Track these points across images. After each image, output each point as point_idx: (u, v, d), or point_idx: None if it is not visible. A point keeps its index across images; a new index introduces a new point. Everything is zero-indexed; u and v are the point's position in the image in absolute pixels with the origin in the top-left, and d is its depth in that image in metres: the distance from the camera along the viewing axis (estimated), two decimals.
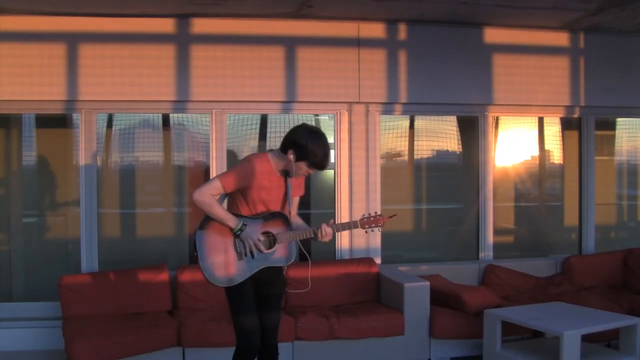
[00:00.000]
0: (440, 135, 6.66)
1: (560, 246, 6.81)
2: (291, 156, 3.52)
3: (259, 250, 3.56)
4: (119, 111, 5.83)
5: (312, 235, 3.60)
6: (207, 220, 3.58)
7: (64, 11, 5.34)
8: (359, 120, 5.98)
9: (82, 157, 5.57)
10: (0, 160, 5.97)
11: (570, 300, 5.40)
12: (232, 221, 3.54)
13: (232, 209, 3.66)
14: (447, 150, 6.75)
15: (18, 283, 5.88)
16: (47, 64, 5.42)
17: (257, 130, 6.18)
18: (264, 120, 6.15)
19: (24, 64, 5.38)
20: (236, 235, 3.55)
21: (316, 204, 6.24)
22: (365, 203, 5.96)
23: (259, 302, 3.74)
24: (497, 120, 6.49)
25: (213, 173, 5.63)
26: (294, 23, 5.75)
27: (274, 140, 6.06)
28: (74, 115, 5.75)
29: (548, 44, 6.25)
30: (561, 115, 6.58)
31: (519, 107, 6.34)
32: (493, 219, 6.32)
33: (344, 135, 5.97)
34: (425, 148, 6.68)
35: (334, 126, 5.99)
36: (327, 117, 6.20)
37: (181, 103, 5.69)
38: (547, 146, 6.93)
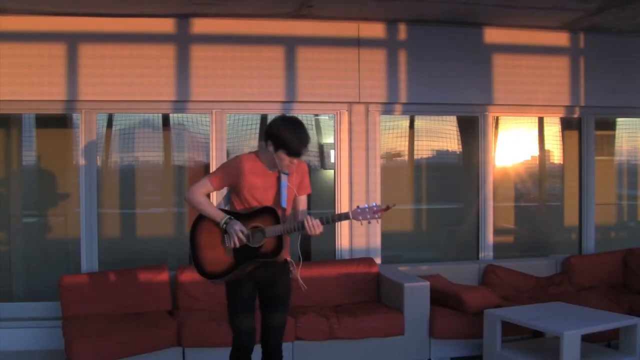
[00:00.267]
0: (440, 135, 6.66)
1: (560, 246, 6.81)
2: (270, 148, 3.55)
3: (245, 240, 3.52)
4: (119, 111, 5.83)
5: (300, 228, 3.49)
6: (200, 218, 3.65)
7: (64, 11, 5.34)
8: (359, 120, 5.98)
9: (82, 157, 5.57)
10: (0, 160, 5.97)
11: (570, 300, 5.40)
12: (219, 216, 3.59)
13: (231, 210, 3.68)
14: (447, 150, 6.75)
15: (18, 283, 5.88)
16: (47, 64, 5.42)
17: (257, 130, 6.18)
18: (264, 120, 6.15)
19: (24, 64, 5.38)
20: (224, 230, 3.56)
21: (316, 204, 6.24)
22: (365, 203, 5.95)
23: (262, 303, 3.74)
24: (497, 120, 6.49)
25: None
26: (294, 23, 5.75)
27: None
28: (74, 115, 5.75)
29: (548, 44, 6.25)
30: (561, 115, 6.59)
31: (519, 107, 6.34)
32: (493, 219, 6.32)
33: (344, 135, 5.97)
34: (425, 148, 6.68)
35: (334, 126, 5.99)
36: (327, 117, 6.20)
37: (181, 103, 5.69)
38: (547, 146, 6.94)
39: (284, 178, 3.61)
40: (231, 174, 3.64)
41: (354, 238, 5.97)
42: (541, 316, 4.78)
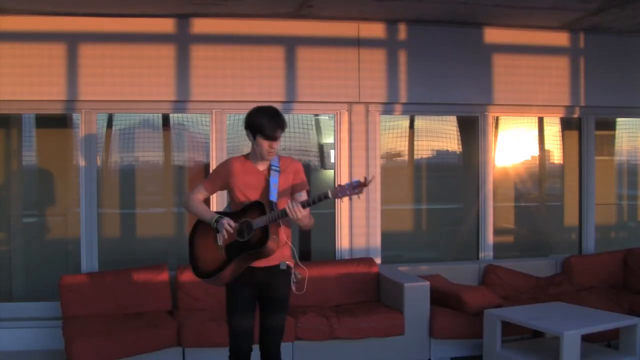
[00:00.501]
0: (440, 135, 6.66)
1: (560, 246, 6.81)
2: (251, 138, 3.61)
3: (233, 234, 3.53)
4: (119, 111, 5.83)
5: (284, 214, 3.47)
6: (198, 224, 3.76)
7: (64, 11, 5.34)
8: (359, 120, 5.98)
9: (82, 157, 5.57)
10: (0, 160, 5.97)
11: (570, 300, 5.40)
12: (210, 217, 3.65)
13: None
14: (447, 150, 6.75)
15: (18, 283, 5.88)
16: (47, 64, 5.42)
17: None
18: None
19: (24, 64, 5.38)
20: (216, 229, 3.59)
21: (316, 204, 6.23)
22: (365, 203, 5.96)
23: (261, 305, 3.74)
24: (497, 120, 6.49)
25: None
26: (294, 23, 5.75)
27: None
28: (74, 115, 5.76)
29: (548, 44, 6.25)
30: (561, 115, 6.58)
31: (519, 107, 6.34)
32: (493, 219, 6.32)
33: (344, 135, 5.97)
34: (425, 148, 6.68)
35: (334, 126, 5.99)
36: (327, 117, 6.20)
37: (181, 103, 5.69)
38: (547, 146, 6.93)
39: (273, 174, 3.64)
40: (221, 176, 3.73)
41: (354, 238, 5.97)
42: (541, 316, 4.78)
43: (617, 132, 7.12)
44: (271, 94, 5.73)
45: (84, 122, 5.57)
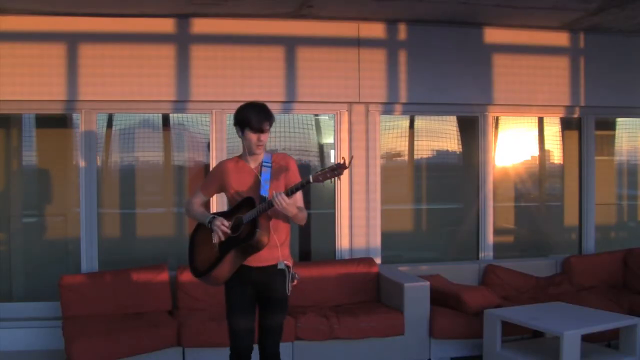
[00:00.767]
0: (440, 135, 6.66)
1: (560, 246, 6.81)
2: (240, 134, 3.65)
3: (224, 232, 3.55)
4: (119, 111, 5.83)
5: (269, 205, 3.47)
6: (197, 226, 3.81)
7: (63, 11, 5.34)
8: (359, 120, 5.98)
9: (82, 157, 5.57)
10: (1, 160, 5.97)
11: (570, 300, 5.40)
12: (205, 217, 3.70)
13: None
14: (447, 150, 6.75)
15: (18, 283, 5.88)
16: (47, 64, 5.42)
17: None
18: None
19: (24, 64, 5.38)
20: (211, 229, 3.61)
21: (316, 204, 6.24)
22: (365, 203, 5.96)
23: (260, 305, 3.74)
24: (497, 120, 6.49)
25: None
26: (294, 23, 5.75)
27: (274, 140, 6.05)
28: (74, 115, 5.75)
29: (548, 44, 6.25)
30: (561, 115, 6.58)
31: (519, 107, 6.34)
32: (493, 219, 6.32)
33: (344, 135, 5.97)
34: (425, 148, 6.68)
35: (334, 126, 5.99)
36: (327, 117, 6.20)
37: (181, 103, 5.69)
38: (547, 146, 6.93)
39: (264, 170, 3.66)
40: (216, 177, 3.79)
41: (354, 238, 5.97)
42: (541, 316, 4.78)
43: (617, 132, 7.12)
44: (271, 94, 5.73)
45: (84, 122, 5.57)
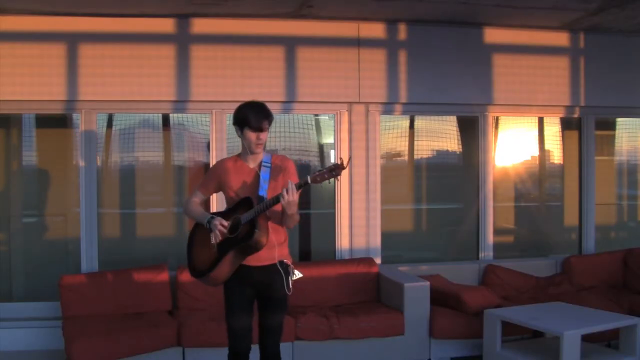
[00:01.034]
0: (440, 135, 6.66)
1: (560, 246, 6.81)
2: (239, 133, 3.65)
3: (221, 231, 3.54)
4: (119, 111, 5.83)
5: (274, 201, 3.47)
6: (196, 225, 3.80)
7: (63, 11, 5.34)
8: (359, 120, 5.98)
9: (82, 157, 5.57)
10: (1, 160, 5.97)
11: (570, 300, 5.40)
12: (203, 217, 3.68)
13: None
14: (447, 150, 6.75)
15: (18, 283, 5.88)
16: (47, 64, 5.42)
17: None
18: None
19: (24, 64, 5.38)
20: (210, 230, 3.61)
21: (316, 204, 6.24)
22: (365, 203, 5.96)
23: (259, 305, 3.74)
24: (497, 120, 6.49)
25: None
26: (294, 23, 5.75)
27: (274, 140, 6.05)
28: (74, 115, 5.75)
29: (548, 44, 6.25)
30: (561, 115, 6.58)
31: (519, 107, 6.34)
32: (493, 219, 6.32)
33: (344, 135, 5.97)
34: (425, 148, 6.68)
35: (334, 126, 5.99)
36: (327, 117, 6.20)
37: (181, 103, 5.69)
38: (547, 146, 6.93)
39: (263, 169, 3.66)
40: (214, 177, 3.78)
41: (354, 238, 5.97)
42: (541, 316, 4.78)
43: (617, 132, 7.12)
44: (271, 94, 5.73)
45: (84, 122, 5.57)
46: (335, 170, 3.39)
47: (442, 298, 5.34)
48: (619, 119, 7.05)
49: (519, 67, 6.18)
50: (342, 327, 5.00)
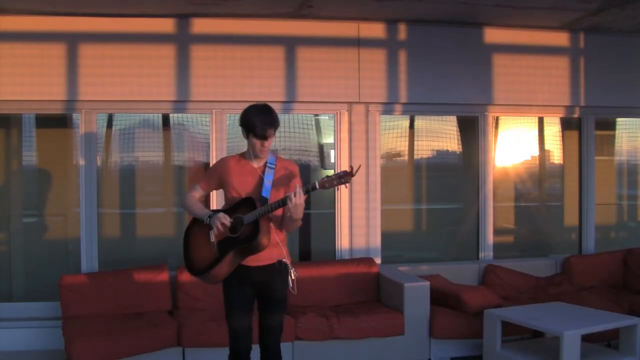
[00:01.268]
0: (440, 135, 6.66)
1: (560, 246, 6.81)
2: (244, 134, 3.64)
3: (224, 225, 3.52)
4: (119, 111, 5.83)
5: (283, 202, 3.47)
6: (193, 223, 3.77)
7: (63, 11, 5.34)
8: (359, 120, 5.98)
9: (82, 157, 5.57)
10: (1, 160, 5.97)
11: (570, 300, 5.40)
12: (203, 213, 3.66)
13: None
14: (447, 150, 6.75)
15: (18, 283, 5.88)
16: (47, 64, 5.42)
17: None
18: None
19: (24, 64, 5.38)
20: (209, 226, 3.59)
21: (316, 204, 6.24)
22: (365, 203, 5.96)
23: (259, 304, 3.74)
24: (497, 120, 6.49)
25: None
26: (294, 23, 5.75)
27: (274, 140, 6.04)
28: (74, 115, 5.76)
29: (548, 44, 6.25)
30: (561, 115, 6.58)
31: (519, 107, 6.34)
32: (493, 219, 6.32)
33: (344, 135, 5.97)
34: (425, 148, 6.68)
35: (334, 126, 5.99)
36: (327, 117, 6.20)
37: (181, 103, 5.69)
38: (547, 146, 6.93)
39: (268, 171, 3.65)
40: (217, 174, 3.75)
41: (354, 238, 5.97)
42: (541, 316, 4.78)
43: (617, 132, 7.12)
44: (271, 94, 5.73)
45: (84, 122, 5.57)
46: (344, 177, 3.41)
47: (442, 298, 5.34)
48: (619, 119, 7.05)
49: (519, 67, 6.18)
50: (342, 327, 5.00)
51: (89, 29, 5.45)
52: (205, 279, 3.66)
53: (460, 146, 6.68)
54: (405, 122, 6.53)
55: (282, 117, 6.04)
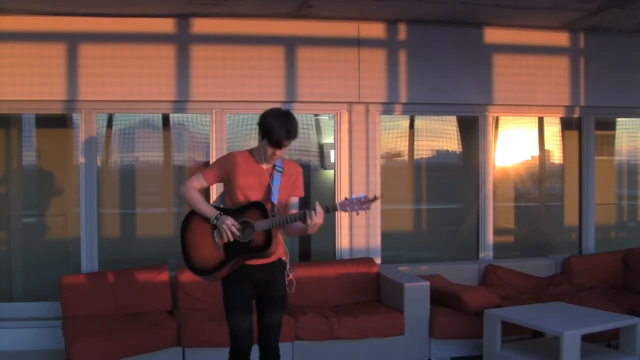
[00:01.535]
0: (440, 135, 6.66)
1: (560, 246, 6.81)
2: (259, 136, 3.57)
3: (234, 233, 3.49)
4: (119, 111, 5.83)
5: (300, 218, 3.45)
6: (189, 216, 3.67)
7: (63, 11, 5.34)
8: (359, 120, 5.98)
9: (82, 157, 5.57)
10: (1, 160, 5.97)
11: (570, 300, 5.40)
12: (210, 212, 3.58)
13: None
14: (447, 150, 6.75)
15: (18, 283, 5.88)
16: (47, 64, 5.42)
17: (258, 130, 6.16)
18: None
19: (24, 64, 5.38)
20: (214, 226, 3.55)
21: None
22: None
23: (259, 303, 3.74)
24: (497, 120, 6.49)
25: None
26: (294, 23, 5.75)
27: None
28: (74, 115, 5.76)
29: (548, 44, 6.25)
30: (561, 115, 6.58)
31: (519, 107, 6.34)
32: (493, 219, 6.32)
33: (344, 135, 5.97)
34: (425, 148, 6.68)
35: (334, 126, 5.99)
36: (327, 117, 6.20)
37: (181, 103, 5.69)
38: (547, 146, 6.93)
39: (276, 175, 3.62)
40: (224, 168, 3.65)
41: (354, 238, 5.97)
42: (541, 316, 4.78)
43: (617, 132, 7.12)
44: (271, 94, 5.73)
45: (84, 122, 5.57)
46: (366, 204, 3.44)
47: (442, 298, 5.34)
48: (619, 119, 7.05)
49: (519, 67, 6.18)
50: (342, 327, 4.99)
51: (89, 29, 5.45)
52: (208, 278, 3.65)
53: (460, 146, 6.68)
54: (405, 122, 6.53)
55: None
